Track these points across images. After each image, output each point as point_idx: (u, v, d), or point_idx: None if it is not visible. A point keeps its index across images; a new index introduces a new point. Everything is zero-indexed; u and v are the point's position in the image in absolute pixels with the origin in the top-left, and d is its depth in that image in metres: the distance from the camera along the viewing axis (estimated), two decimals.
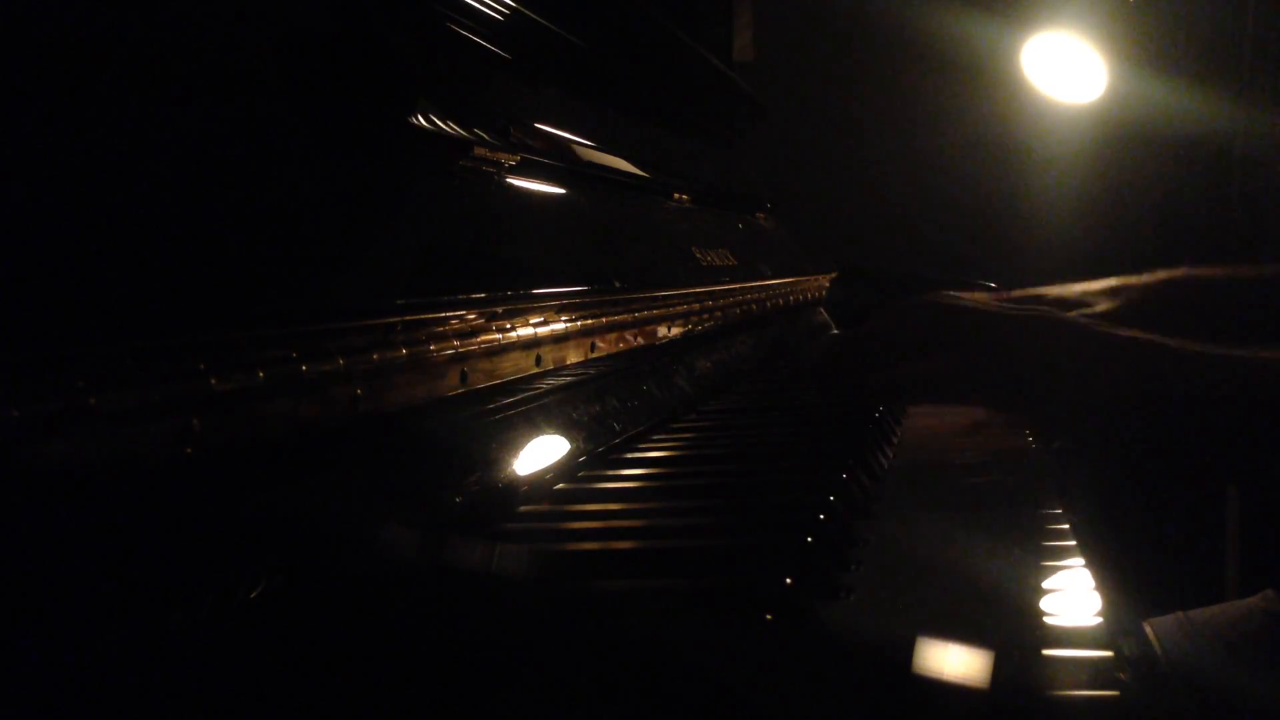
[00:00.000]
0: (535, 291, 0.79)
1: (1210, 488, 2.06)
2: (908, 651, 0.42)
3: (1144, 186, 2.47)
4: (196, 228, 0.50)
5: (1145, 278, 0.99)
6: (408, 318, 0.61)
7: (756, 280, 1.46)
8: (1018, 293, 1.05)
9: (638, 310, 0.99)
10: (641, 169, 1.23)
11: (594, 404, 0.86)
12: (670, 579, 0.54)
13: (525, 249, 0.83)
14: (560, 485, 0.74)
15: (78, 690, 0.35)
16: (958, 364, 0.73)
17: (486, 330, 0.70)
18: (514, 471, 0.69)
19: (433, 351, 0.63)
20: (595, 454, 0.81)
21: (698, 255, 1.25)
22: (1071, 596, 0.52)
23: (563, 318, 0.82)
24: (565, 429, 0.79)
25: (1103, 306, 0.97)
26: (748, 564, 0.55)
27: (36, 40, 0.46)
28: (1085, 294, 1.00)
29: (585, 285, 0.88)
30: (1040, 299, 1.01)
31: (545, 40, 1.03)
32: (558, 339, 0.82)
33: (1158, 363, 0.68)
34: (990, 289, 1.99)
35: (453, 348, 0.66)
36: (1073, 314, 0.91)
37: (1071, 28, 2.34)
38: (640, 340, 1.01)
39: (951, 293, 0.88)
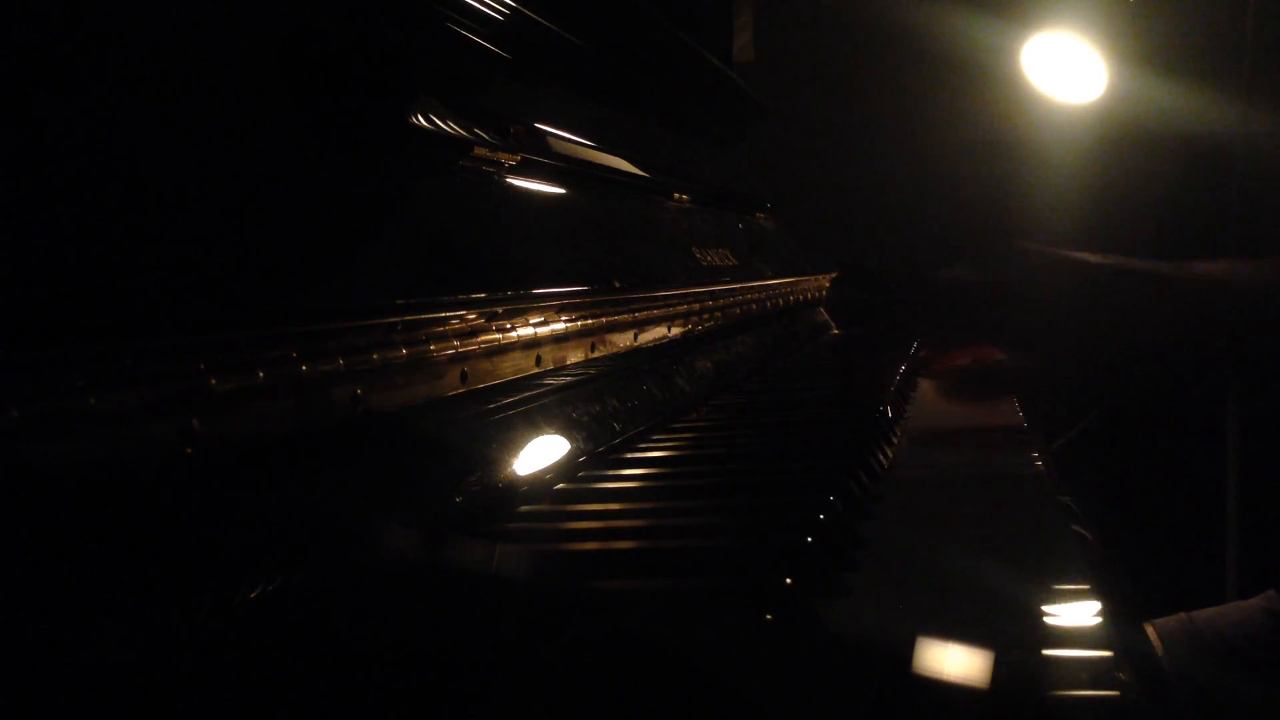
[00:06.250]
0: (535, 291, 0.78)
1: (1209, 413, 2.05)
2: (908, 651, 0.42)
3: (1144, 186, 2.47)
4: (196, 227, 0.50)
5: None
6: (408, 318, 0.61)
7: (756, 280, 1.46)
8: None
9: (638, 310, 0.99)
10: (641, 169, 1.23)
11: (594, 404, 0.86)
12: (670, 579, 0.54)
13: (525, 249, 0.82)
14: (560, 485, 0.74)
15: (77, 691, 0.35)
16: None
17: (486, 330, 0.70)
18: (514, 471, 0.69)
19: (433, 351, 0.64)
20: (595, 454, 0.81)
21: (698, 255, 1.25)
22: (1071, 596, 0.52)
23: (563, 318, 0.82)
24: (565, 429, 0.79)
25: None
26: (748, 564, 0.54)
27: (35, 39, 0.46)
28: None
29: (585, 285, 0.88)
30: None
31: (545, 40, 1.03)
32: (558, 339, 0.82)
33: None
34: None
35: (453, 348, 0.66)
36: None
37: (1071, 28, 2.34)
38: (640, 340, 1.01)
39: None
